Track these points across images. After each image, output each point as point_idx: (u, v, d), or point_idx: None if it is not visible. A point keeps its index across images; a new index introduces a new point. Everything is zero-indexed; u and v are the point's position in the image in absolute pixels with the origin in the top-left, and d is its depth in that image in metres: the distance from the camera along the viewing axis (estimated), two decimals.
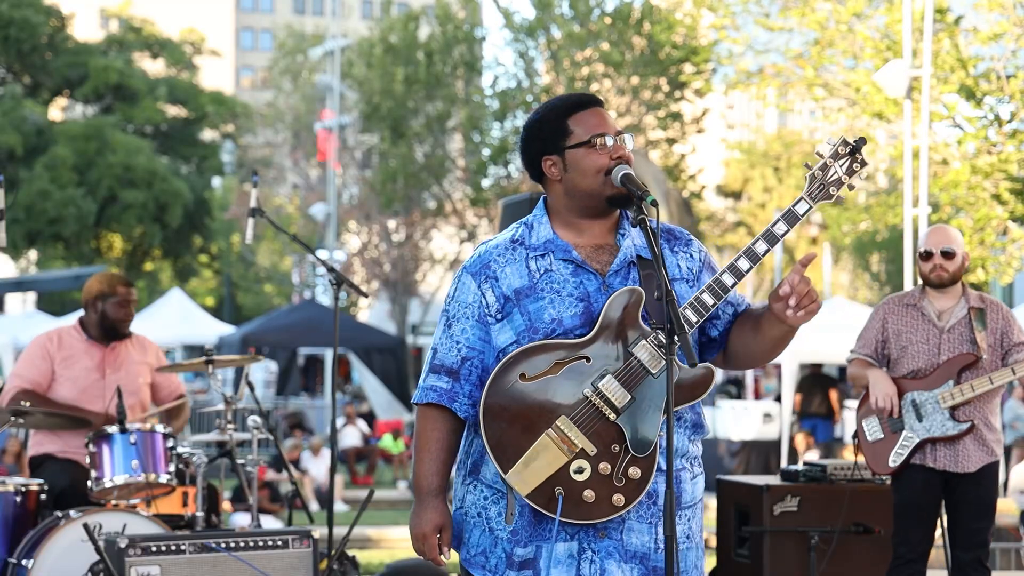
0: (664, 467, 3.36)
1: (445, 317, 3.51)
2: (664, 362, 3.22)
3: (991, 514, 5.95)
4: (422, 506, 3.45)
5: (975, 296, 6.03)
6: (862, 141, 3.45)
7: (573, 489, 3.31)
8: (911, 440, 5.90)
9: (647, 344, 3.35)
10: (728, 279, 3.40)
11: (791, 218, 3.41)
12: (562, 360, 3.34)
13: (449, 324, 3.49)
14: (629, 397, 3.33)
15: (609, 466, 3.32)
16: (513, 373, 3.34)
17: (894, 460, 5.93)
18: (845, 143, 3.44)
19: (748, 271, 3.40)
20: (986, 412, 5.92)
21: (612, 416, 3.33)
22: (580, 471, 3.31)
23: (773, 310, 3.38)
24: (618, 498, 3.32)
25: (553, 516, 3.31)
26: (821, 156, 3.44)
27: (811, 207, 3.42)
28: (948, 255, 5.96)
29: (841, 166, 3.43)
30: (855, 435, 6.19)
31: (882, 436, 5.99)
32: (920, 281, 6.10)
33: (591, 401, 3.33)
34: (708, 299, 3.39)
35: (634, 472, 3.33)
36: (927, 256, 5.97)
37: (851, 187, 3.42)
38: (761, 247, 3.40)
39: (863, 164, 3.44)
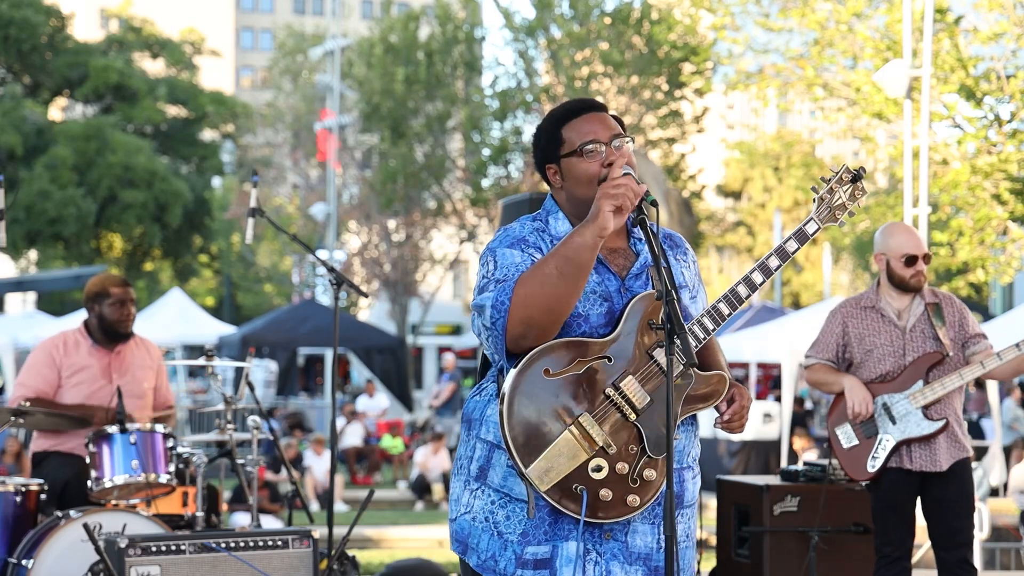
0: (675, 466, 3.44)
1: (495, 278, 3.38)
2: (682, 366, 3.24)
3: (970, 510, 5.91)
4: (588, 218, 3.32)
5: (928, 291, 5.98)
6: (863, 171, 3.74)
7: (591, 487, 3.33)
8: (888, 443, 5.86)
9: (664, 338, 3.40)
10: (743, 290, 3.54)
11: (801, 237, 3.63)
12: (584, 358, 3.37)
13: (500, 281, 3.37)
14: (648, 399, 3.37)
15: (626, 466, 3.36)
16: (536, 369, 3.34)
17: (872, 465, 5.88)
18: (848, 171, 3.73)
19: (762, 284, 3.58)
20: (956, 408, 5.91)
21: (632, 416, 3.36)
22: (598, 469, 3.34)
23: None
24: (633, 499, 3.36)
25: (569, 514, 3.33)
26: (827, 181, 3.72)
27: (819, 227, 3.69)
28: (927, 258, 5.94)
29: (845, 192, 3.71)
30: (827, 442, 6.14)
31: (857, 442, 5.94)
32: (880, 279, 6.02)
33: (612, 400, 3.36)
34: (724, 308, 3.51)
35: (649, 474, 3.37)
36: (912, 261, 5.90)
37: (852, 213, 3.73)
38: (774, 262, 3.59)
39: (863, 192, 3.74)
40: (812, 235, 3.63)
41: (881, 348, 5.91)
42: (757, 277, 3.54)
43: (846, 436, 5.98)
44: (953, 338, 5.89)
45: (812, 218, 3.65)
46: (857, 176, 3.70)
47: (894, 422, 5.85)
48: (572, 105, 3.54)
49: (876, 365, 5.92)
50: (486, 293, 3.36)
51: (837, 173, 3.69)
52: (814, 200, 3.68)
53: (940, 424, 5.81)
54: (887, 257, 5.95)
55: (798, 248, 3.60)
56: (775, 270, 3.58)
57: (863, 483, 6.05)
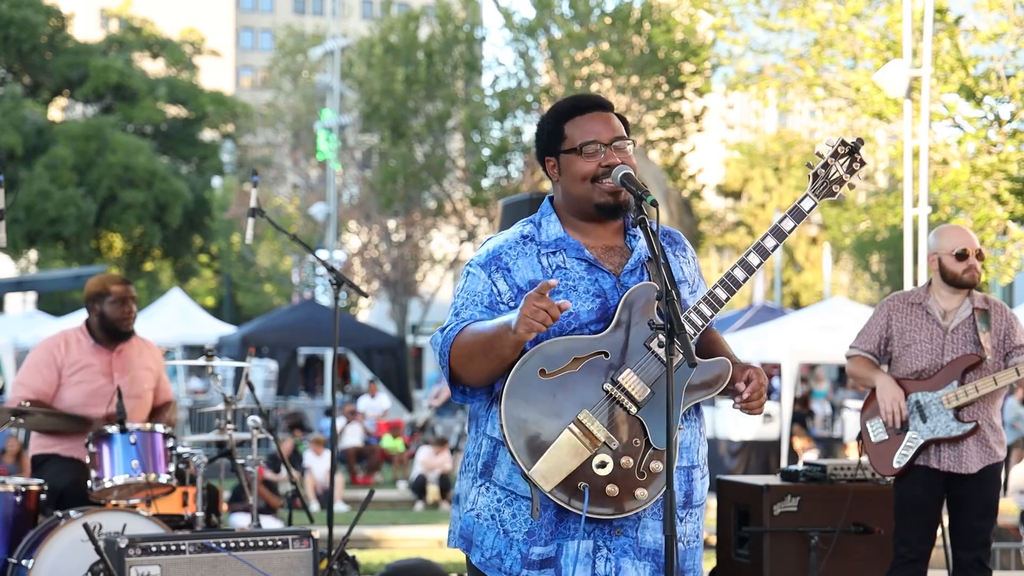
0: (683, 464, 3.44)
1: (454, 308, 3.48)
2: (681, 355, 3.20)
3: (993, 514, 5.93)
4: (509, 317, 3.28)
5: (979, 297, 5.98)
6: (860, 142, 3.58)
7: (596, 484, 3.31)
8: (915, 441, 5.88)
9: (663, 339, 3.35)
10: (740, 273, 3.46)
11: (797, 214, 3.51)
12: (581, 355, 3.34)
13: (457, 312, 3.45)
14: (648, 391, 3.34)
15: (631, 460, 3.33)
16: (531, 369, 3.32)
17: (898, 461, 5.91)
18: (844, 143, 3.56)
19: (759, 266, 3.49)
20: (990, 412, 5.91)
21: (633, 409, 3.33)
22: (603, 465, 3.31)
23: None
24: (640, 492, 3.33)
25: (574, 510, 3.30)
26: (822, 156, 3.55)
27: (816, 203, 3.53)
28: (980, 255, 5.94)
29: (842, 165, 3.55)
30: (859, 436, 6.18)
31: (886, 437, 5.97)
32: (932, 279, 6.04)
33: (611, 395, 3.33)
34: (721, 294, 3.45)
35: (656, 466, 3.34)
36: (963, 256, 5.90)
37: (851, 186, 3.55)
38: (770, 242, 3.48)
39: (862, 163, 3.56)
40: (808, 212, 3.50)
41: (920, 344, 5.92)
42: (753, 259, 3.46)
43: (876, 430, 6.02)
44: (996, 345, 5.89)
45: (808, 194, 3.52)
46: (855, 148, 3.55)
47: (924, 421, 5.87)
48: (578, 101, 3.53)
49: (913, 361, 5.93)
50: (446, 321, 3.45)
51: (833, 147, 3.54)
52: (809, 176, 3.54)
53: (970, 427, 5.82)
54: (939, 256, 5.96)
55: (794, 227, 3.50)
56: (772, 250, 3.49)
57: (888, 478, 6.08)
